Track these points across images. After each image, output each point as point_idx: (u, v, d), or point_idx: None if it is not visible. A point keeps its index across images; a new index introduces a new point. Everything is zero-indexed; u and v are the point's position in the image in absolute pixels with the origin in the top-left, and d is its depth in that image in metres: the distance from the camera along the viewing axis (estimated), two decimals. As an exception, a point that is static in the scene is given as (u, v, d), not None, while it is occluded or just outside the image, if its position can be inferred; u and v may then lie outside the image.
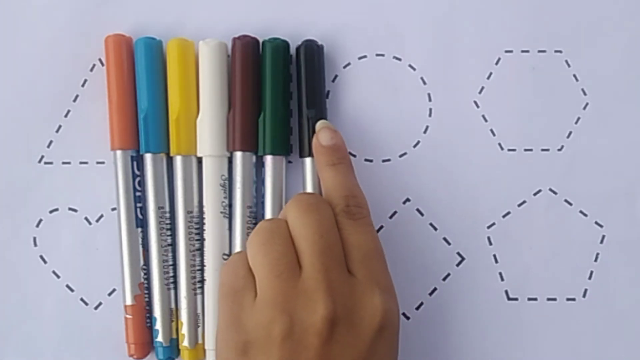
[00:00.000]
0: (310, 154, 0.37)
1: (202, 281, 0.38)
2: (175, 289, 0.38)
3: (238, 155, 0.38)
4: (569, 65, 0.39)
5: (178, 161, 0.38)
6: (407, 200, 0.39)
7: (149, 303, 0.38)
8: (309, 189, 0.38)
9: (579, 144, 0.39)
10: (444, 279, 0.39)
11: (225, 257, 0.38)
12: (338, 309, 0.33)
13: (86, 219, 0.39)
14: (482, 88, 0.39)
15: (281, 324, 0.32)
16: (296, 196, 0.35)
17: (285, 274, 0.33)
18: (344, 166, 0.36)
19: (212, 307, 0.38)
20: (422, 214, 0.39)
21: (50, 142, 0.39)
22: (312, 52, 0.38)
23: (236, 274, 0.34)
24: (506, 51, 0.39)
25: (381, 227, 0.39)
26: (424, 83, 0.39)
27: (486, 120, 0.39)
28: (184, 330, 0.38)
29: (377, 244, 0.35)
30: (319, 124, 0.37)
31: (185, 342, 0.38)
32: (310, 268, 0.33)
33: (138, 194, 0.38)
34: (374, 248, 0.35)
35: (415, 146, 0.39)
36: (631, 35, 0.39)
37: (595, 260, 0.39)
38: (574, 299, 0.39)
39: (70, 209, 0.39)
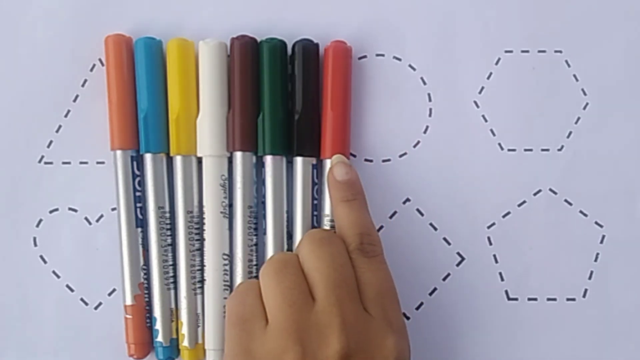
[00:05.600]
0: (300, 154, 0.37)
1: (202, 281, 0.38)
2: (175, 289, 0.38)
3: (238, 155, 0.38)
4: (569, 65, 0.39)
5: (178, 161, 0.38)
6: (407, 200, 0.39)
7: (149, 303, 0.38)
8: (299, 189, 0.38)
9: (579, 144, 0.39)
10: (444, 279, 0.39)
11: (225, 257, 0.38)
12: (351, 345, 0.32)
13: (86, 219, 0.39)
14: (482, 88, 0.39)
15: (293, 353, 0.32)
16: (309, 232, 0.35)
17: (298, 303, 0.32)
18: (358, 202, 0.36)
19: (212, 307, 0.38)
20: (422, 214, 0.39)
21: (50, 142, 0.39)
22: (308, 51, 0.38)
23: (244, 303, 0.33)
24: (506, 51, 0.39)
25: (381, 227, 0.39)
26: (424, 83, 0.39)
27: (486, 120, 0.39)
28: (184, 330, 0.38)
29: (391, 282, 0.34)
30: (334, 159, 0.37)
31: (185, 342, 0.38)
32: (325, 301, 0.32)
33: (138, 194, 0.38)
34: (388, 287, 0.34)
35: (415, 146, 0.39)
36: (631, 35, 0.39)
37: (595, 260, 0.39)
38: (574, 299, 0.39)
39: (70, 209, 0.39)
